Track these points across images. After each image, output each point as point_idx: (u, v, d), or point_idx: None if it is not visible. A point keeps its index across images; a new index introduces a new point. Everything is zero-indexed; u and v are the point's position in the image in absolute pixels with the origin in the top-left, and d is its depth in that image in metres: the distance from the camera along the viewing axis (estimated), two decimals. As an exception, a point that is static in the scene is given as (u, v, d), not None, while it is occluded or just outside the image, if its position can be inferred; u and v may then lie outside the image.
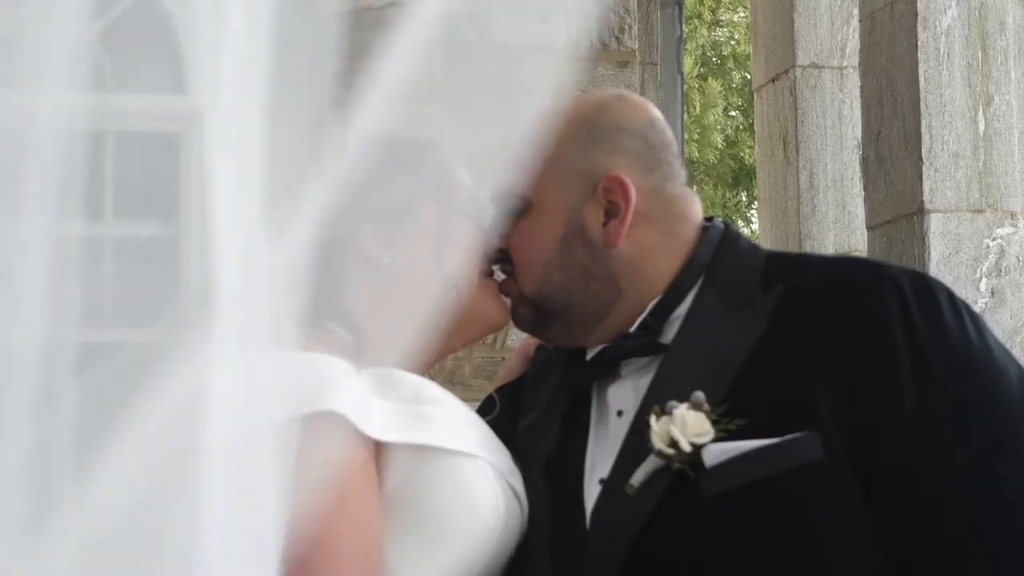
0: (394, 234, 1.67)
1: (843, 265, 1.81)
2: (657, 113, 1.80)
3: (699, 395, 1.61)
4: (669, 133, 1.79)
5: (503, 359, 2.11)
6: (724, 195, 13.21)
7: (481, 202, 1.82)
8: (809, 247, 6.28)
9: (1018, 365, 1.65)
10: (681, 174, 1.80)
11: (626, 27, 5.29)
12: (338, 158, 1.68)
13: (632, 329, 1.73)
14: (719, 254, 1.75)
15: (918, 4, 4.77)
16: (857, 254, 5.80)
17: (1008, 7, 4.91)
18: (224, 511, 1.45)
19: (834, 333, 1.62)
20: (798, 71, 6.46)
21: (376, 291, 1.65)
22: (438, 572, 1.56)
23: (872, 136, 5.05)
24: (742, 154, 12.55)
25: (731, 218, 13.08)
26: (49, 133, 1.42)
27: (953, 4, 4.79)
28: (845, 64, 6.40)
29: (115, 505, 1.44)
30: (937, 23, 4.78)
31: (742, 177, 12.36)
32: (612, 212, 1.73)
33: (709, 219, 1.81)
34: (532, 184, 1.74)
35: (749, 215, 12.98)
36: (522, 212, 1.75)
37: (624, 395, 1.73)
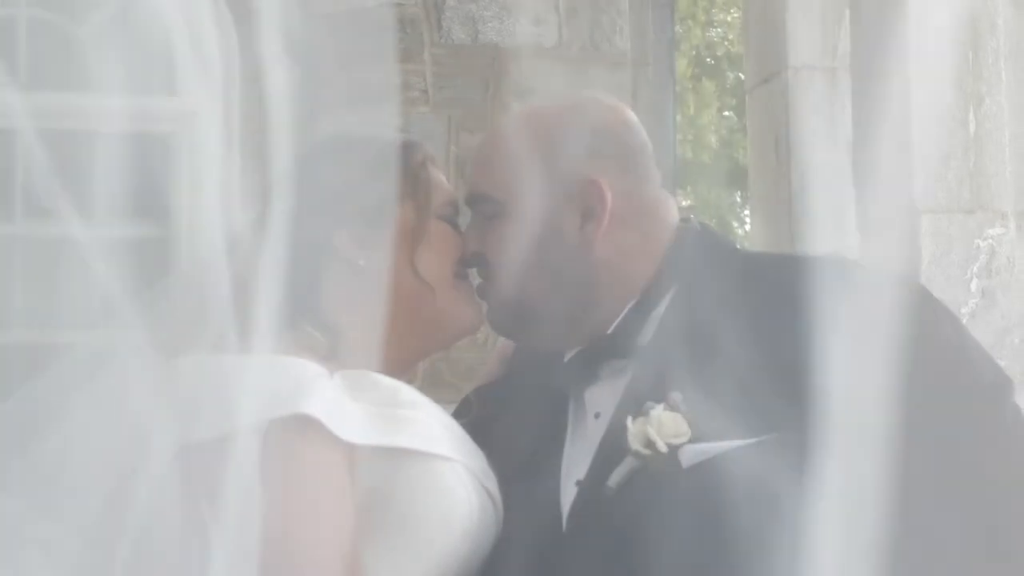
0: (370, 235, 1.67)
1: (820, 265, 1.81)
2: (632, 115, 1.80)
3: (676, 396, 1.61)
4: (644, 135, 1.79)
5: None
6: (719, 196, 13.20)
7: (458, 204, 1.82)
8: (801, 248, 6.27)
9: (994, 365, 1.66)
10: (656, 176, 1.80)
11: (618, 28, 5.29)
12: (313, 159, 1.68)
13: (609, 331, 1.73)
14: (695, 255, 1.75)
15: (909, 5, 4.76)
16: (848, 255, 5.80)
17: (999, 8, 4.90)
18: (196, 512, 1.45)
19: (810, 333, 1.62)
20: (790, 72, 6.45)
21: (351, 293, 1.65)
22: (412, 574, 1.56)
23: (863, 137, 5.04)
24: (736, 155, 12.53)
25: (725, 219, 13.06)
26: (37, 134, 1.42)
27: (944, 4, 4.79)
28: (837, 65, 6.39)
29: (83, 503, 1.44)
30: (928, 24, 4.77)
31: (736, 178, 12.34)
32: (588, 215, 1.72)
33: (686, 220, 1.81)
34: (508, 187, 1.74)
35: (743, 216, 12.96)
36: (498, 215, 1.75)
37: (601, 397, 1.73)
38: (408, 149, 1.76)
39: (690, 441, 1.59)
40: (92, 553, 1.45)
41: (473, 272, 1.80)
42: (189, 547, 1.40)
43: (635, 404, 1.63)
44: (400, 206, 1.72)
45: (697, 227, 1.80)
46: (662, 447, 1.59)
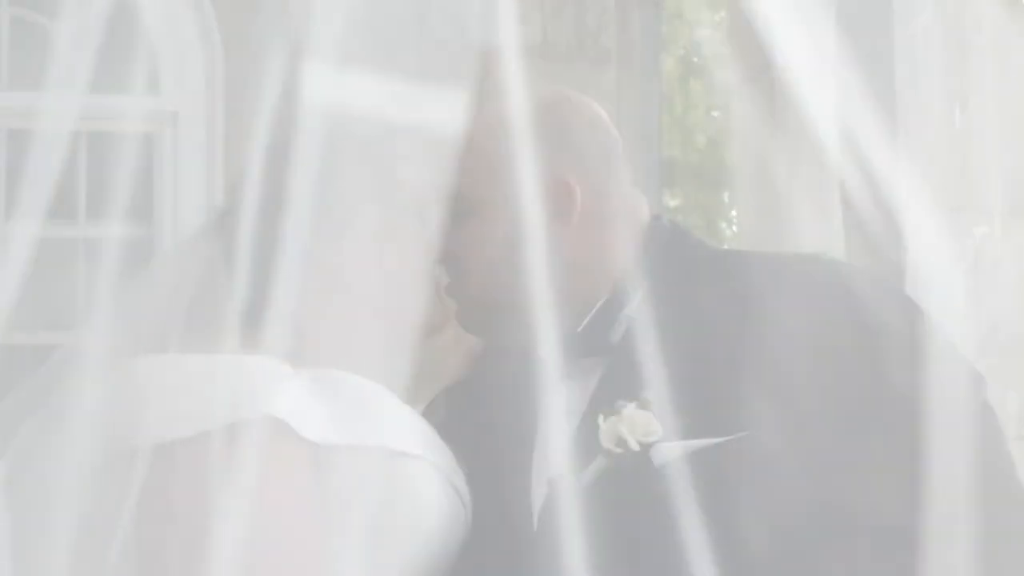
0: (336, 233, 1.66)
1: (793, 263, 1.82)
2: (602, 112, 1.80)
3: (647, 394, 1.60)
4: (614, 132, 1.79)
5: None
6: (706, 196, 13.19)
7: (426, 201, 1.80)
8: (790, 247, 6.28)
9: (968, 363, 1.65)
10: (627, 173, 1.79)
11: (603, 27, 5.29)
12: (282, 156, 1.67)
13: (579, 329, 1.73)
14: (667, 253, 1.75)
15: (894, 2, 4.76)
16: (836, 254, 5.81)
17: (985, 6, 4.90)
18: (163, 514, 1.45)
19: (783, 331, 1.62)
20: (777, 72, 6.46)
21: (317, 291, 1.64)
22: (380, 574, 1.55)
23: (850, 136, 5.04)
24: (724, 155, 12.52)
25: (713, 219, 13.06)
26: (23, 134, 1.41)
27: (930, 2, 4.79)
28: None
29: (48, 505, 1.43)
30: (914, 22, 4.77)
31: (724, 178, 12.33)
32: (557, 213, 1.72)
33: (657, 218, 1.81)
34: (476, 184, 1.74)
35: (731, 216, 12.96)
36: (467, 213, 1.74)
37: (572, 395, 1.72)
38: (377, 145, 1.75)
39: (662, 440, 1.59)
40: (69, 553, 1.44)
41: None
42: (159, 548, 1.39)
43: (606, 402, 1.63)
44: (367, 203, 1.71)
45: (668, 225, 1.79)
46: (634, 445, 1.59)
